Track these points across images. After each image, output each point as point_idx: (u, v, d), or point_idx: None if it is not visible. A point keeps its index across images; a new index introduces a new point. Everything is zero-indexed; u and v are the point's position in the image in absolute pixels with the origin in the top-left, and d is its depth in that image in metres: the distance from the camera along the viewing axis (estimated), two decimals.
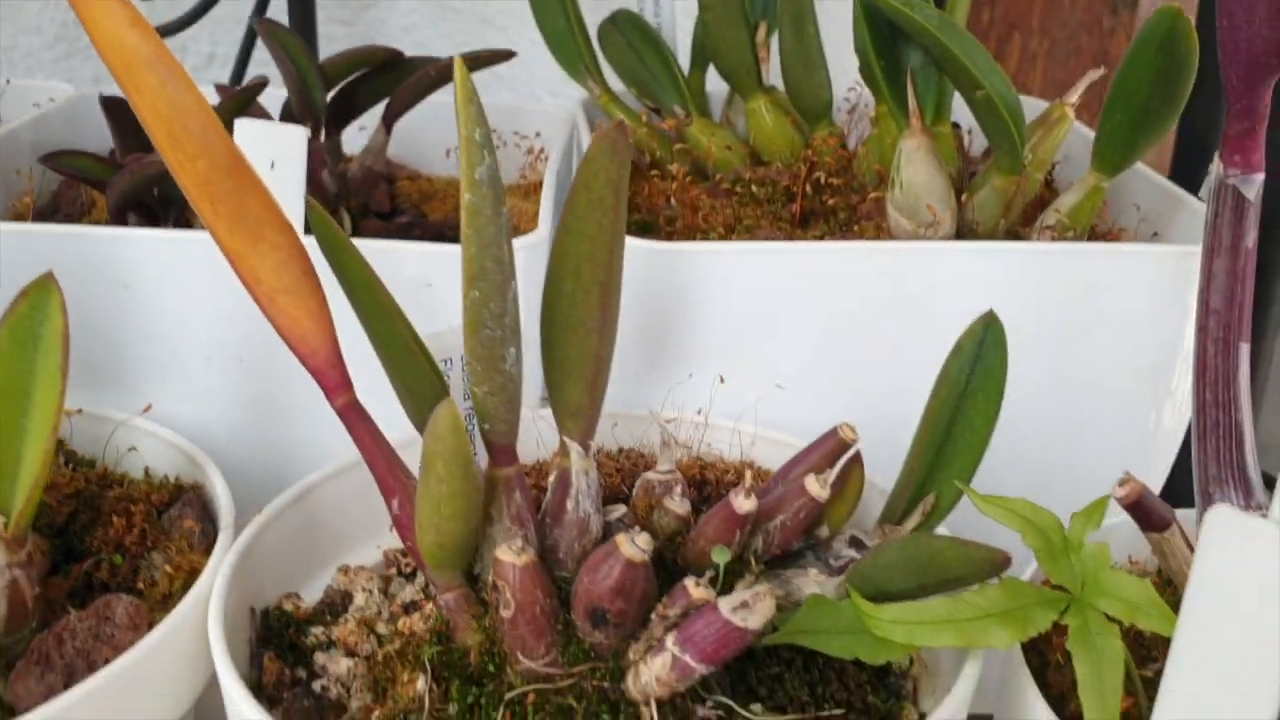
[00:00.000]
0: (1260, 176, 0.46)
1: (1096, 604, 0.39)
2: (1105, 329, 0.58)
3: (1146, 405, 0.60)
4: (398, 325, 0.45)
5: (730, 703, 0.42)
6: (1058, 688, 0.43)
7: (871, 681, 0.44)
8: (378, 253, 0.51)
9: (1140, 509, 0.40)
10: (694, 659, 0.40)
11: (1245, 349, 0.47)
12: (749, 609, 0.40)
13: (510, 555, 0.42)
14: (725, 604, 0.40)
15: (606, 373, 0.46)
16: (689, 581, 0.41)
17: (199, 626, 0.44)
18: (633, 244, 0.57)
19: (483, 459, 0.46)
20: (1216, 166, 0.46)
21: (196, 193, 0.42)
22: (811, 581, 0.46)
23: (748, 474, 0.46)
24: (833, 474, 0.46)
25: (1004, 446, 0.60)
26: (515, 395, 0.43)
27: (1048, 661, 0.45)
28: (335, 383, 0.44)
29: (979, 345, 0.47)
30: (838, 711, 0.42)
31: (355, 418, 0.44)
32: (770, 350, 0.58)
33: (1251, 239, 0.46)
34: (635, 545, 0.41)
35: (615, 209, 0.43)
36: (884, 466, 0.50)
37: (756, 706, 0.42)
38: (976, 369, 0.47)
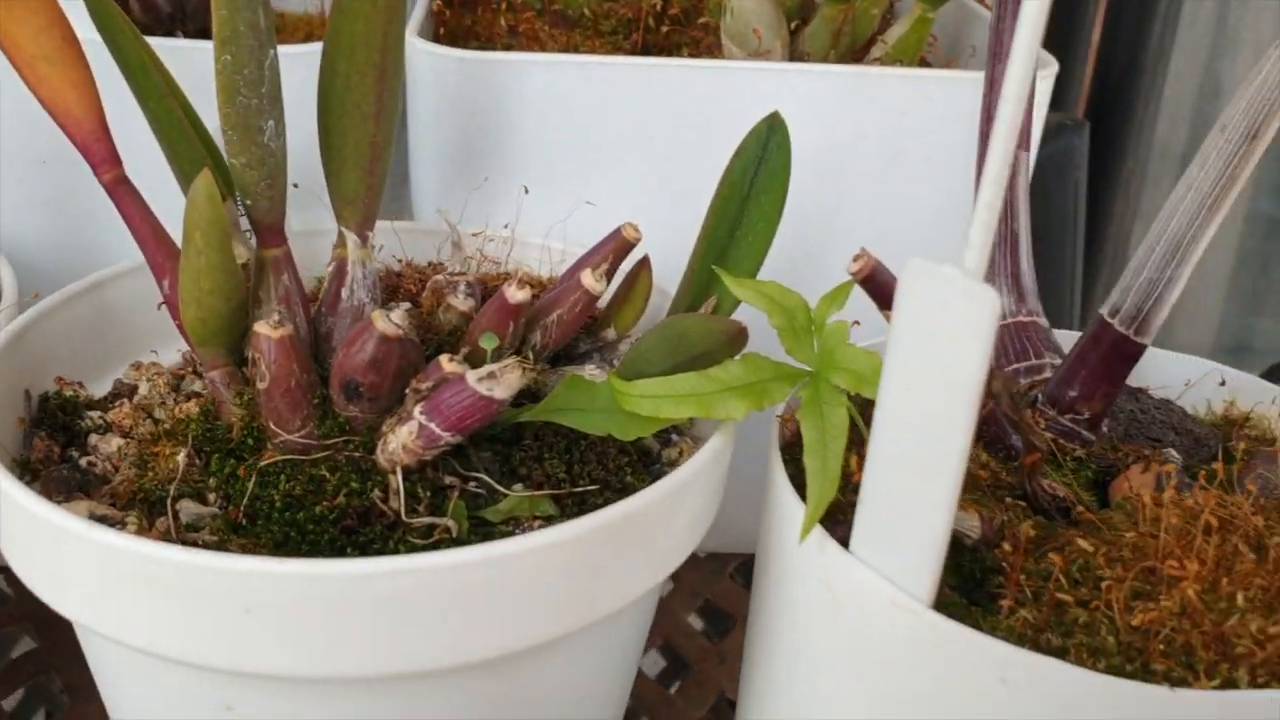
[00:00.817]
0: None
1: (831, 378, 0.40)
2: (920, 158, 0.58)
3: (960, 236, 0.61)
4: (172, 106, 0.45)
5: (490, 480, 0.43)
6: None
7: (634, 465, 0.45)
8: (171, 51, 0.51)
9: (873, 284, 0.40)
10: (440, 427, 0.40)
11: (1025, 156, 0.48)
12: (495, 379, 0.40)
13: (266, 329, 0.42)
14: (472, 375, 0.40)
15: (385, 161, 0.46)
16: (443, 357, 0.42)
17: None
18: (447, 54, 0.56)
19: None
20: None
21: None
22: (585, 374, 0.46)
23: (521, 269, 0.46)
24: (606, 265, 0.46)
25: (825, 274, 0.61)
26: (277, 170, 0.43)
27: None
28: (101, 156, 0.44)
29: (763, 147, 0.47)
30: (592, 487, 0.43)
31: (123, 193, 0.44)
32: (588, 169, 0.58)
33: None
34: (389, 320, 0.41)
35: None
36: None
37: (518, 486, 0.43)
38: (761, 170, 0.48)
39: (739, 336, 0.40)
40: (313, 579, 0.34)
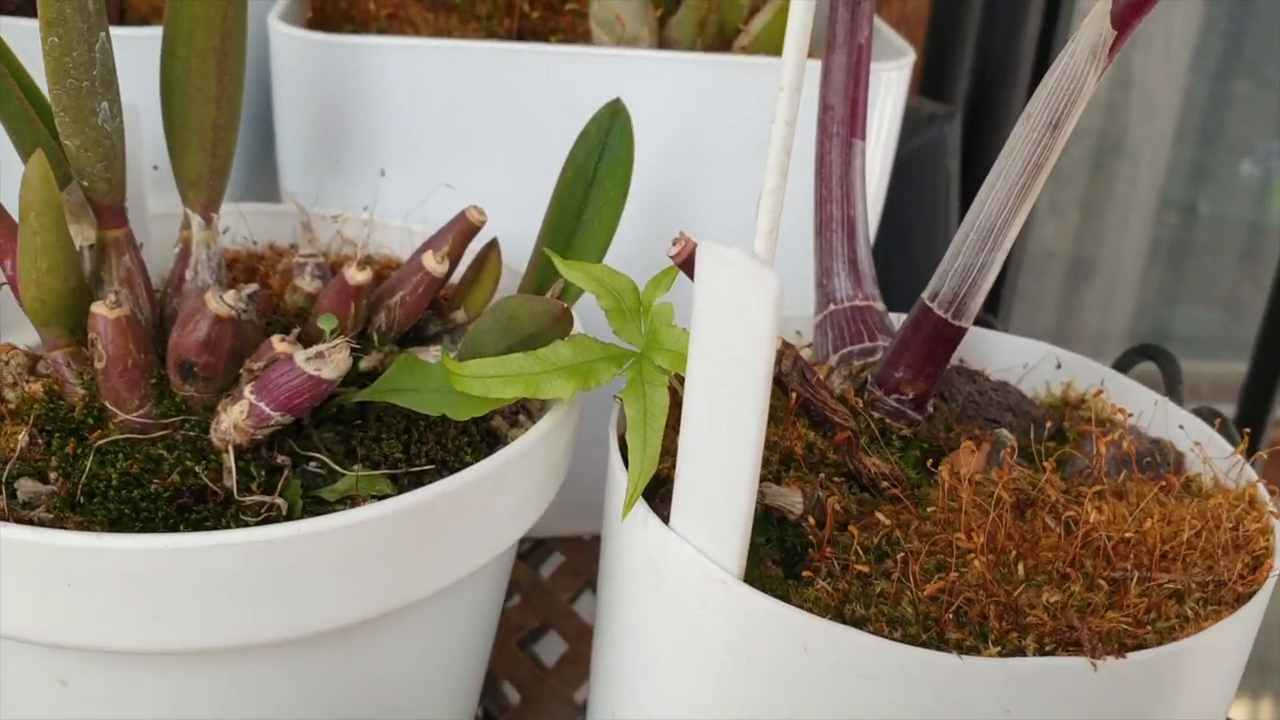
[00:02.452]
0: None
1: (654, 359, 0.41)
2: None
3: None
4: (11, 86, 0.45)
5: (329, 461, 0.43)
6: None
7: (474, 445, 0.46)
8: (13, 30, 0.51)
9: (691, 266, 0.42)
10: (269, 406, 0.41)
11: (860, 145, 0.49)
12: (324, 359, 0.41)
13: (103, 309, 0.42)
14: (301, 355, 0.41)
15: (229, 144, 0.46)
16: (275, 337, 0.42)
17: None
18: (308, 38, 0.57)
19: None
20: None
21: None
22: (431, 356, 0.47)
23: (360, 248, 0.47)
24: (448, 247, 0.47)
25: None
26: (114, 152, 0.44)
27: None
28: None
29: (606, 133, 0.49)
30: (429, 467, 0.44)
31: None
32: (450, 153, 0.58)
33: (865, 34, 0.48)
34: (222, 301, 0.42)
35: None
36: None
37: (358, 467, 0.44)
38: (604, 156, 0.49)
39: (563, 317, 0.41)
40: (126, 553, 0.35)
